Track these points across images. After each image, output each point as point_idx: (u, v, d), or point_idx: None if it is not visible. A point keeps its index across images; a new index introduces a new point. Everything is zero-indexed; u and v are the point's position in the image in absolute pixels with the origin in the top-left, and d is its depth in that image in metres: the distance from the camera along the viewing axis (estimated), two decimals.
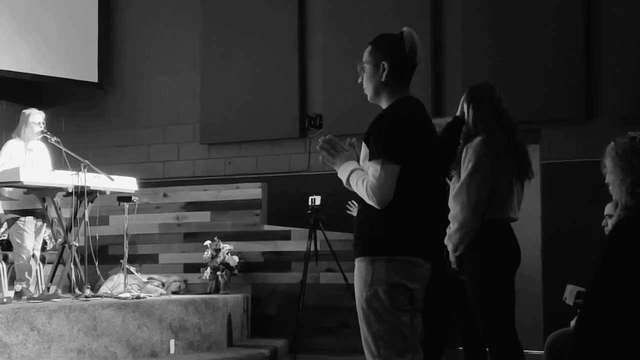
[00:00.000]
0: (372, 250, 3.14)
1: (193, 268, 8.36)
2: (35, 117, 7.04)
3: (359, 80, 3.35)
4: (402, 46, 3.23)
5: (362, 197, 3.16)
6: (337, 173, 3.29)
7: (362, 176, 3.15)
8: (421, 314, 4.27)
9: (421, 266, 3.17)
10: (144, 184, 8.12)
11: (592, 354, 3.01)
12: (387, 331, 3.10)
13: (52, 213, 6.86)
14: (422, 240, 3.17)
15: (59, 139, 6.94)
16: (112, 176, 6.85)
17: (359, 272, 3.16)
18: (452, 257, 4.19)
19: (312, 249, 7.52)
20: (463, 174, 4.09)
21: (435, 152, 3.31)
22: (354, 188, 3.19)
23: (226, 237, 8.28)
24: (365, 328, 3.15)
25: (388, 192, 3.08)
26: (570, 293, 4.70)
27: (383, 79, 3.25)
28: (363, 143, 3.23)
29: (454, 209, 4.09)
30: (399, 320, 3.10)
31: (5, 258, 6.98)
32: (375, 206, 3.10)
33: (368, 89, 3.32)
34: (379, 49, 3.28)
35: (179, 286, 8.15)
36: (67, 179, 6.60)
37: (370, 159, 3.14)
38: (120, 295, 6.67)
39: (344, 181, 3.25)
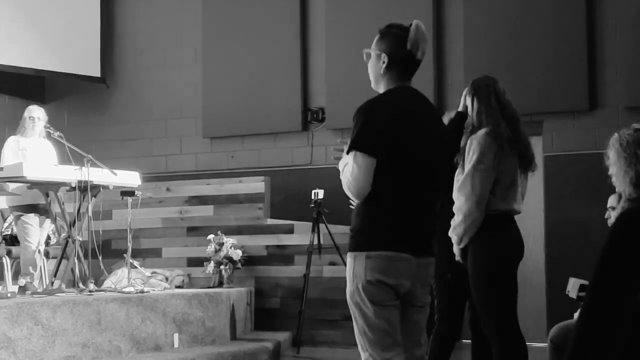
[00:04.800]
0: (354, 246, 3.14)
1: (196, 262, 8.37)
2: (31, 112, 7.04)
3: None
4: (406, 41, 3.19)
5: None
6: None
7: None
8: (437, 306, 4.27)
9: (405, 260, 3.10)
10: (147, 178, 8.11)
11: (595, 346, 3.01)
12: (369, 326, 3.11)
13: (55, 208, 6.86)
14: (403, 235, 3.11)
15: (61, 134, 6.95)
16: (115, 171, 6.86)
17: (347, 267, 3.19)
18: (455, 249, 4.19)
19: (315, 242, 7.54)
20: (467, 166, 4.08)
21: (431, 143, 3.21)
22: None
23: (229, 231, 8.28)
24: (353, 322, 3.18)
25: (362, 185, 3.07)
26: (573, 286, 4.69)
27: (382, 71, 3.25)
28: None
29: (459, 200, 4.09)
30: (378, 316, 3.09)
31: (9, 253, 7.00)
32: (353, 199, 3.13)
33: (370, 77, 3.33)
34: (382, 40, 3.26)
35: (183, 280, 8.16)
36: (71, 173, 6.60)
37: (347, 152, 3.14)
38: (124, 290, 6.69)
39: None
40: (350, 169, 3.08)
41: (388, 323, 3.10)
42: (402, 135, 3.11)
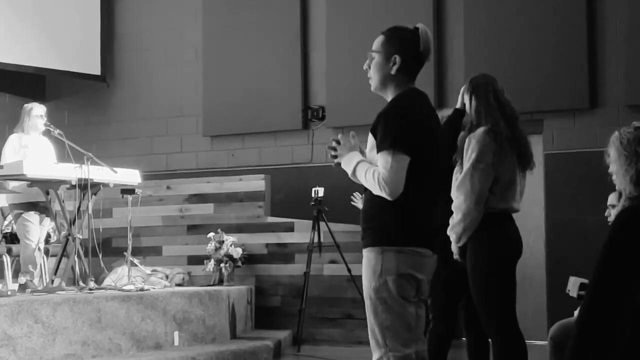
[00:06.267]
0: (382, 241, 3.14)
1: (197, 260, 8.38)
2: (37, 110, 7.05)
3: (365, 67, 3.33)
4: (417, 42, 3.23)
5: (370, 188, 3.15)
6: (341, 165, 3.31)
7: (369, 167, 3.15)
8: (433, 305, 4.29)
9: (429, 257, 3.19)
10: (147, 176, 8.12)
11: (595, 345, 3.01)
12: (393, 321, 3.11)
13: (55, 206, 6.87)
14: (429, 232, 3.20)
15: (62, 132, 6.95)
16: (115, 169, 6.86)
17: (368, 262, 3.17)
18: (454, 248, 4.19)
19: (316, 240, 7.54)
20: (466, 165, 4.08)
21: (439, 144, 3.31)
22: (361, 180, 3.20)
23: (229, 229, 8.29)
24: (372, 318, 3.15)
25: (399, 183, 3.08)
26: (573, 285, 4.69)
27: (393, 72, 3.25)
28: (370, 134, 3.22)
29: (457, 199, 4.08)
30: (405, 311, 3.12)
31: (9, 251, 7.00)
32: (387, 197, 3.10)
33: (374, 79, 3.30)
34: (392, 41, 3.26)
35: (183, 278, 8.16)
36: (71, 171, 6.60)
37: (379, 150, 3.13)
38: (124, 288, 6.68)
39: (350, 173, 3.25)
40: (388, 167, 3.08)
41: (412, 318, 3.15)
42: (418, 136, 3.15)
